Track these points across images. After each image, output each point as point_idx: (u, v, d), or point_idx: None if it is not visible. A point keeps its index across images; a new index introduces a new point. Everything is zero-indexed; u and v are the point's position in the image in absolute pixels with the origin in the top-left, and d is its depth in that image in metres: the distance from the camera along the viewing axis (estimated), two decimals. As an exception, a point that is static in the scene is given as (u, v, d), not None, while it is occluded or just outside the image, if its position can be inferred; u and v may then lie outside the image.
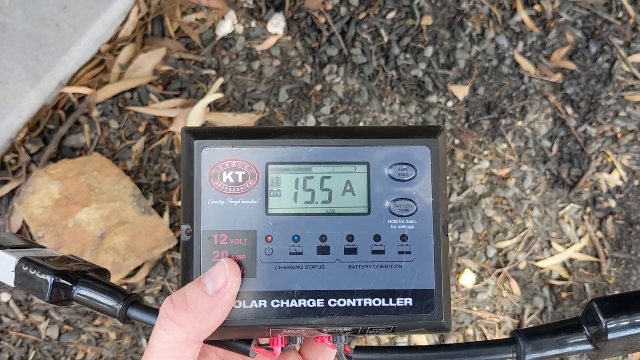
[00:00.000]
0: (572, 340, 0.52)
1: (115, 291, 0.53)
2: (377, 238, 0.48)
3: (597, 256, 1.93)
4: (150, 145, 1.85)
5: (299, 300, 0.46)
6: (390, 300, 0.46)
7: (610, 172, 2.02)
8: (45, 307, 1.69)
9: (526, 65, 2.06)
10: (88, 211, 1.64)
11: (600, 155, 2.02)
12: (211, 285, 0.47)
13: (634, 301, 0.51)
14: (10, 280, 0.53)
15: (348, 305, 0.46)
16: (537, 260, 1.91)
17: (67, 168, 1.70)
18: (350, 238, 0.48)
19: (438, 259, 0.48)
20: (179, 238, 1.75)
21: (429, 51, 2.02)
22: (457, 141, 1.97)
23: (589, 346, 0.52)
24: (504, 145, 1.99)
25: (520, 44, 2.08)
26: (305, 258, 0.47)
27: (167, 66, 1.90)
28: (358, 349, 0.50)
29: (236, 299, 0.48)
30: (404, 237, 0.48)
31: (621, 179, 2.01)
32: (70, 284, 0.53)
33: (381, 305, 0.46)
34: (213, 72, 1.93)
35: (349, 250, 0.47)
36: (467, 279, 1.85)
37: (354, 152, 0.48)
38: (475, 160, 1.96)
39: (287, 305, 0.46)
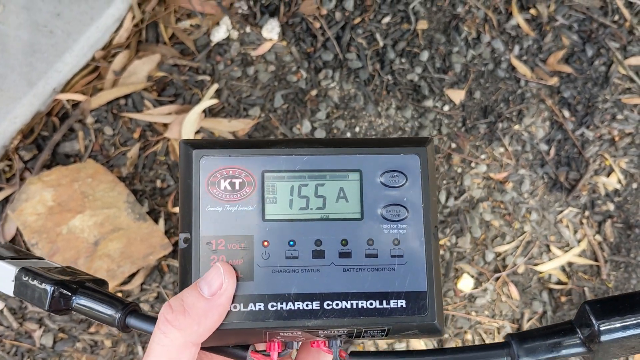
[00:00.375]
0: (566, 343, 0.52)
1: (113, 300, 0.54)
2: (370, 242, 0.49)
3: (596, 260, 1.92)
4: (145, 152, 1.84)
5: (296, 303, 0.47)
6: (384, 302, 0.48)
7: (608, 175, 2.01)
8: (40, 314, 1.68)
9: (522, 69, 2.06)
10: (82, 218, 1.63)
11: (598, 159, 2.01)
12: (207, 288, 0.48)
13: (625, 303, 0.51)
14: (9, 290, 0.54)
15: (343, 307, 0.47)
16: (535, 265, 1.90)
17: (61, 175, 1.69)
18: (344, 242, 0.49)
19: (430, 262, 0.49)
20: (174, 244, 1.73)
21: (424, 55, 2.02)
22: (454, 145, 1.96)
23: (582, 349, 0.52)
24: (501, 149, 1.98)
25: (517, 48, 2.07)
26: (301, 262, 0.48)
27: (162, 72, 1.89)
28: (353, 354, 0.51)
29: (234, 303, 0.49)
30: (396, 241, 0.50)
31: (619, 182, 2.00)
32: (69, 294, 0.54)
33: (375, 307, 0.47)
34: (208, 77, 1.92)
35: (343, 254, 0.49)
36: (466, 284, 1.83)
37: (347, 161, 0.50)
38: (473, 165, 1.95)
39: (284, 308, 0.47)
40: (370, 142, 0.52)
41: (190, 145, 0.51)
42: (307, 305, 0.47)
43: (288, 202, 0.49)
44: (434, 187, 0.52)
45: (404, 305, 0.48)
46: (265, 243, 0.49)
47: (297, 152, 0.50)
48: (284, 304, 0.47)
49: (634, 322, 0.50)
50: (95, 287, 0.56)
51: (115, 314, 0.53)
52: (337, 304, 0.47)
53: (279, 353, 0.52)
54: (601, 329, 0.50)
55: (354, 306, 0.47)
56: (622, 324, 0.50)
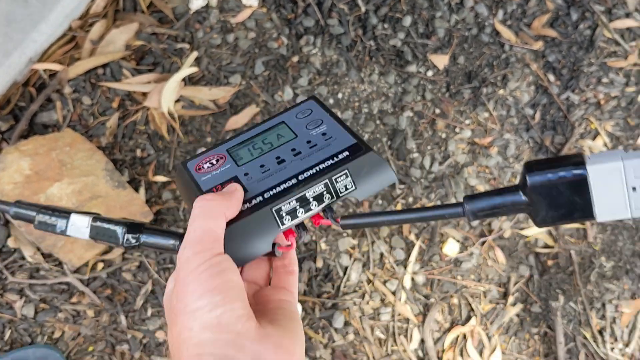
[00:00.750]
0: (509, 201, 0.60)
1: (171, 234, 0.67)
2: (308, 142, 0.72)
3: (582, 223, 1.91)
4: (125, 121, 1.81)
5: (282, 185, 0.67)
6: (335, 158, 0.69)
7: (594, 138, 1.99)
8: (20, 285, 1.66)
9: (507, 33, 2.03)
10: (60, 186, 1.61)
11: (583, 122, 1.99)
12: (226, 191, 0.66)
13: (559, 159, 0.57)
14: (85, 235, 0.68)
15: (312, 172, 0.68)
16: (522, 229, 1.88)
17: (38, 144, 1.66)
18: (293, 149, 0.72)
19: (351, 132, 0.71)
20: (155, 213, 1.71)
21: (407, 21, 1.99)
22: (438, 111, 1.94)
23: (523, 204, 0.59)
24: (486, 114, 1.96)
25: (500, 12, 2.05)
26: (272, 170, 0.69)
27: (140, 41, 1.87)
28: (344, 216, 0.68)
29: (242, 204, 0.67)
30: (324, 134, 0.72)
31: (605, 145, 1.98)
32: (137, 233, 0.67)
33: (331, 163, 0.68)
34: (187, 46, 1.89)
35: (295, 154, 0.71)
36: (451, 248, 1.82)
37: (273, 122, 0.76)
38: (457, 130, 1.93)
39: (276, 191, 0.67)
40: (281, 112, 0.77)
41: (181, 164, 0.74)
42: (288, 183, 0.67)
43: (250, 155, 0.72)
44: (332, 112, 0.75)
45: (348, 153, 0.69)
46: (245, 174, 0.70)
47: (241, 132, 0.75)
48: (274, 189, 0.67)
49: (549, 169, 0.56)
50: (154, 226, 0.69)
51: (176, 242, 0.66)
52: (307, 173, 0.68)
53: (296, 240, 0.69)
54: (529, 176, 0.57)
55: (319, 169, 0.68)
56: (548, 171, 0.56)
